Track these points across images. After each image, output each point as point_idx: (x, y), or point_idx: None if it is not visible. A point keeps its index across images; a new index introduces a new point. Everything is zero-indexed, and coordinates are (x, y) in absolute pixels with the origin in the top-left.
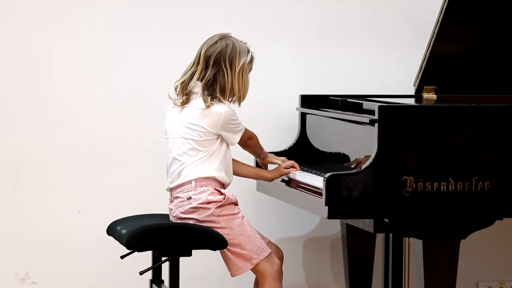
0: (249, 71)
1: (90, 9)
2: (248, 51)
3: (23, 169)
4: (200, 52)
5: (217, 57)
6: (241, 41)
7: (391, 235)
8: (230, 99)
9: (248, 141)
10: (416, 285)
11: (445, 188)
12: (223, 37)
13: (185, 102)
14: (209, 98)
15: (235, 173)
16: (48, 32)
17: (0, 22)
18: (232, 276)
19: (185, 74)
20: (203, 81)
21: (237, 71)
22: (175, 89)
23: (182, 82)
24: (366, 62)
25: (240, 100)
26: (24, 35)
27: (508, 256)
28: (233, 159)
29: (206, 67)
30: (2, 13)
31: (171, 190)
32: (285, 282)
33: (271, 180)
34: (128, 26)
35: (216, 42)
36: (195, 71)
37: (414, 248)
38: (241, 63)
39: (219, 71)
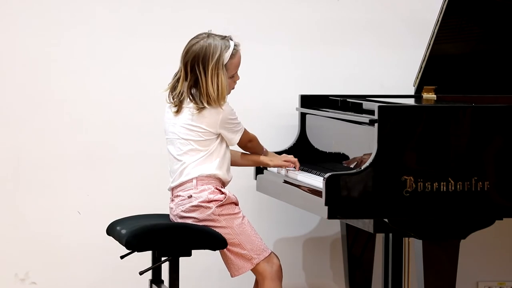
0: (237, 65)
1: (90, 9)
2: (227, 47)
3: (22, 169)
4: (181, 58)
5: (192, 63)
6: (222, 37)
7: (391, 235)
8: (209, 104)
9: (248, 144)
10: (416, 285)
11: (445, 188)
12: (200, 39)
13: (179, 106)
14: (196, 104)
15: (235, 164)
16: (47, 32)
17: None
18: (232, 276)
19: (173, 79)
20: (187, 85)
21: (209, 73)
22: (168, 95)
23: (172, 86)
24: (366, 62)
25: (219, 102)
26: (22, 36)
27: (508, 256)
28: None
29: (186, 73)
30: (0, 14)
31: (172, 189)
32: (285, 282)
33: (271, 166)
34: (127, 26)
35: (192, 46)
36: (180, 77)
37: (414, 248)
38: (212, 64)
39: (197, 77)
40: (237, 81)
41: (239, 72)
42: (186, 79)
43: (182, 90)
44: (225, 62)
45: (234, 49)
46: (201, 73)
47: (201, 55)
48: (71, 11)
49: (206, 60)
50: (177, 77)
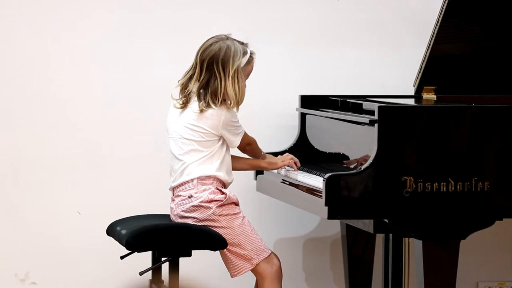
0: (249, 73)
1: (90, 9)
2: (245, 52)
3: (22, 170)
4: (197, 56)
5: (210, 61)
6: (240, 42)
7: (391, 235)
8: (221, 105)
9: (247, 147)
10: (416, 285)
11: (445, 188)
12: (219, 39)
13: (185, 104)
14: (201, 102)
15: (234, 168)
16: (47, 33)
17: None
18: (232, 276)
19: (185, 76)
20: (199, 84)
21: (230, 75)
22: (179, 92)
23: (182, 84)
24: (366, 62)
25: (238, 104)
26: (22, 36)
27: (508, 256)
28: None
29: (201, 71)
30: (0, 14)
31: (173, 189)
32: (285, 282)
33: (270, 170)
34: (127, 26)
35: (210, 45)
36: (193, 74)
37: (414, 248)
38: (234, 67)
39: (212, 75)
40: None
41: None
42: (199, 77)
43: (193, 88)
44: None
45: (250, 56)
46: (220, 73)
47: (220, 55)
48: (71, 11)
49: (226, 61)
50: (189, 74)
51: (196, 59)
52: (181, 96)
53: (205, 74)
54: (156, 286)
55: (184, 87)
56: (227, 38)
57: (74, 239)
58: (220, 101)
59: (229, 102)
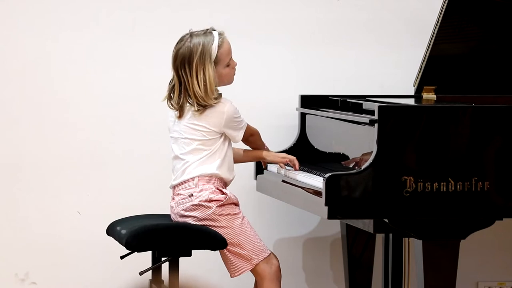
0: (227, 54)
1: (89, 9)
2: (210, 40)
3: (23, 169)
4: (172, 66)
5: (181, 70)
6: (203, 31)
7: (391, 235)
8: (199, 104)
9: (250, 138)
10: (416, 285)
11: (445, 188)
12: (184, 41)
13: (180, 112)
14: (194, 107)
15: (234, 161)
16: (46, 32)
17: None
18: (231, 276)
19: (169, 87)
20: (183, 91)
21: (193, 71)
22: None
23: (170, 95)
24: (365, 62)
25: (207, 98)
26: (23, 36)
27: (508, 256)
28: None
29: (179, 79)
30: (0, 14)
31: (174, 187)
32: (285, 282)
33: (268, 162)
34: (127, 26)
35: (178, 50)
36: (174, 84)
37: (414, 248)
38: (195, 61)
39: (187, 81)
40: (236, 69)
41: (235, 60)
42: (180, 84)
43: (179, 96)
44: (214, 55)
45: (219, 38)
46: (187, 74)
47: (185, 59)
48: (71, 11)
49: (188, 61)
50: (171, 84)
51: (172, 68)
52: (172, 107)
53: (184, 81)
54: (156, 286)
55: (170, 98)
56: (190, 35)
57: (74, 239)
58: (196, 102)
59: (197, 99)
